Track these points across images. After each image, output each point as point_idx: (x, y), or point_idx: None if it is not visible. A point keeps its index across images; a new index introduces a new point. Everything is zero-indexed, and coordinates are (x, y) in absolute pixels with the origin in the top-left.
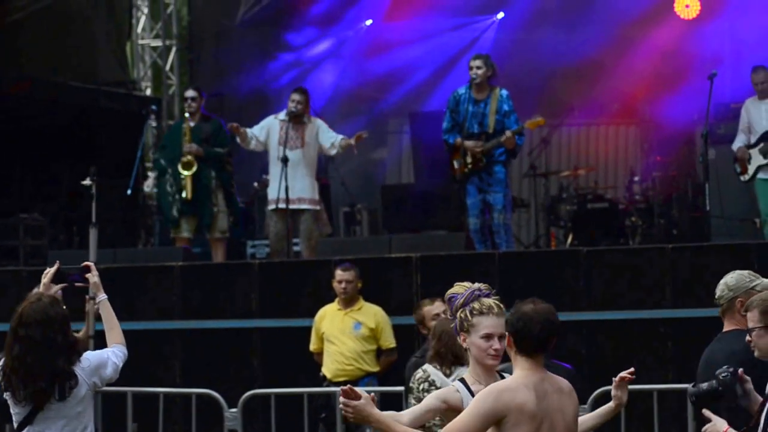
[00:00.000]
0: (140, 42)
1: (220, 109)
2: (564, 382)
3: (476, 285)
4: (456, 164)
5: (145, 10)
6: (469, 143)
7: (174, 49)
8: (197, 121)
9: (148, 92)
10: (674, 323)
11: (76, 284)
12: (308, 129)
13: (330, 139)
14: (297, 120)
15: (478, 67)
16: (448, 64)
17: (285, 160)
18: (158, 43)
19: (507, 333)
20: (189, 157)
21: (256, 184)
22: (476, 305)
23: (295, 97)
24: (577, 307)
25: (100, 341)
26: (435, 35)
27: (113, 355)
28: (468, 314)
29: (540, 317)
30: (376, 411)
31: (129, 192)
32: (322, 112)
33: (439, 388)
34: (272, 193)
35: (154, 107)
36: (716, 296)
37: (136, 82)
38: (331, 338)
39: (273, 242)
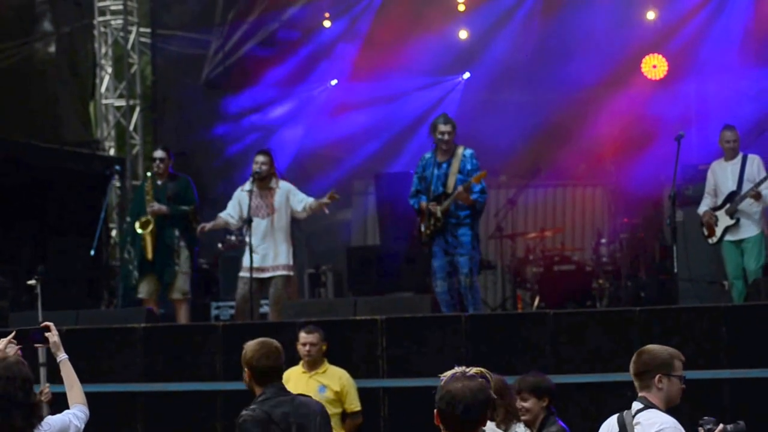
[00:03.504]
0: (104, 101)
1: (183, 169)
2: None
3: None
4: (423, 227)
5: (109, 70)
6: (429, 205)
7: (138, 109)
8: (164, 180)
9: (112, 152)
10: None
11: (36, 344)
12: (276, 195)
13: (300, 202)
14: (263, 185)
15: (449, 132)
16: (414, 125)
17: (249, 221)
18: (122, 102)
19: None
20: (146, 217)
21: (220, 245)
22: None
23: (259, 158)
24: (544, 370)
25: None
26: (401, 95)
27: (74, 417)
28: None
29: (466, 397)
30: None
31: (92, 253)
32: (286, 173)
33: None
34: (246, 260)
35: (117, 167)
36: None
37: (100, 141)
38: None
39: (239, 303)
